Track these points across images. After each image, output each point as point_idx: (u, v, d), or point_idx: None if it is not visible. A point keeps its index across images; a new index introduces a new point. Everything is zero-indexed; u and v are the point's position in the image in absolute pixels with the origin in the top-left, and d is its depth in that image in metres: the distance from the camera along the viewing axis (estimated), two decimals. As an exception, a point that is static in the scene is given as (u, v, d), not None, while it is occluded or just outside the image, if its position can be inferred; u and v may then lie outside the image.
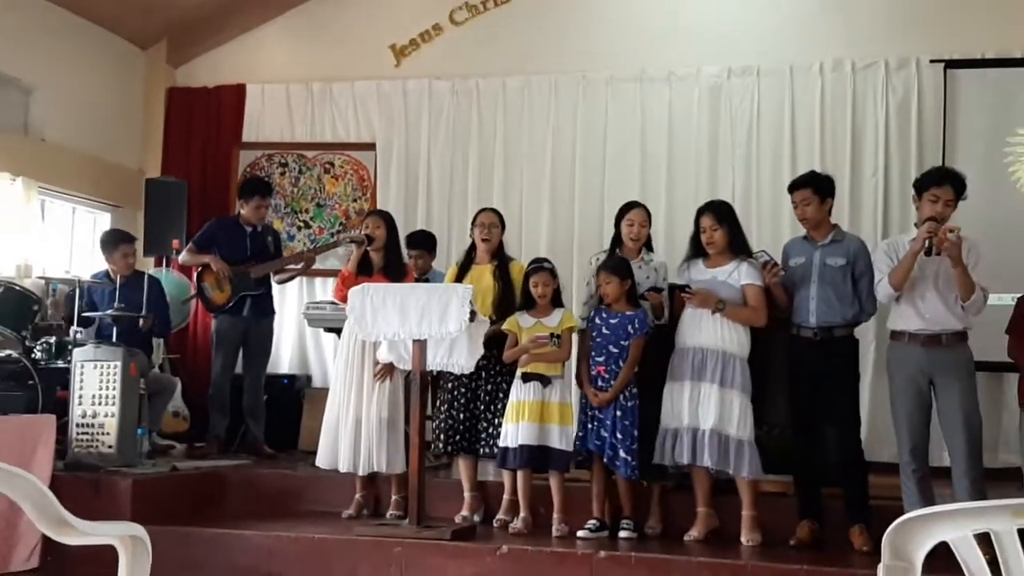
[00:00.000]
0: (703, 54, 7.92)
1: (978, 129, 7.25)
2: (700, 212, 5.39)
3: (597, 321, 5.36)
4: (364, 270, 5.78)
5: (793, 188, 5.35)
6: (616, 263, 5.41)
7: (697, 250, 5.37)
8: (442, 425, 5.61)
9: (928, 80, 7.49)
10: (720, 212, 5.34)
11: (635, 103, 8.03)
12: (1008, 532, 1.98)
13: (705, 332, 5.15)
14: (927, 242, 4.75)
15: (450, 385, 5.67)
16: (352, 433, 5.50)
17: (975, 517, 2.01)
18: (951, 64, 7.36)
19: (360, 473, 5.56)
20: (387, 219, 5.93)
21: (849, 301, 5.17)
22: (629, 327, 5.28)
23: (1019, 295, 5.34)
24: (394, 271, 5.77)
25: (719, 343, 5.12)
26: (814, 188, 5.25)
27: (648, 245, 5.65)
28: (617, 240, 5.62)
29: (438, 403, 5.74)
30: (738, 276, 5.22)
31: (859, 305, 5.20)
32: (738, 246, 5.31)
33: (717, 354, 5.11)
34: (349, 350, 5.65)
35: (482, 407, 5.58)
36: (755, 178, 7.75)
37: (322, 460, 5.61)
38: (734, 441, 5.03)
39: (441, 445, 5.62)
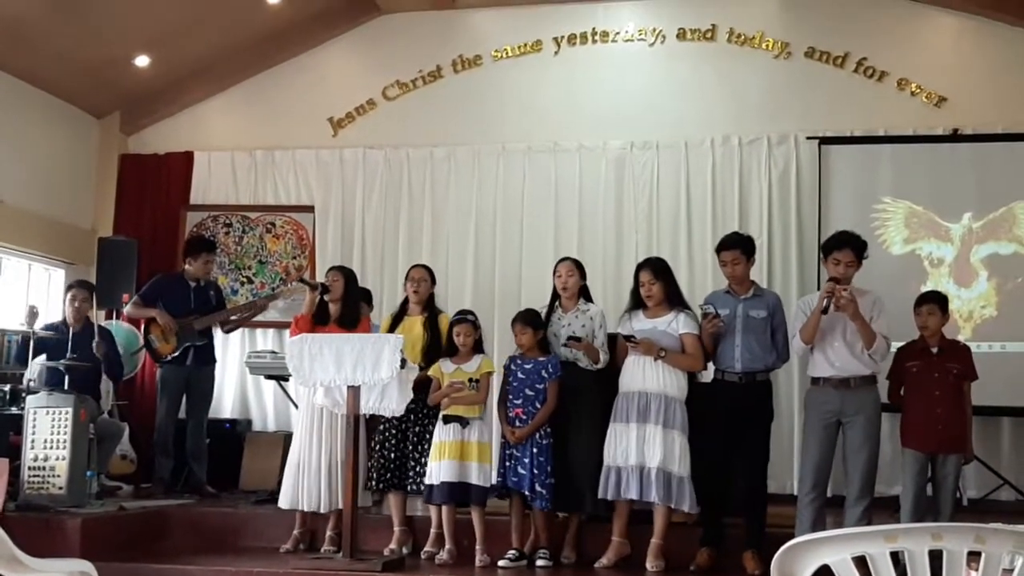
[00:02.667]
0: (609, 129, 8.05)
1: (849, 197, 7.44)
2: (639, 268, 5.40)
3: (512, 367, 5.36)
4: (321, 320, 5.68)
5: (723, 248, 5.36)
6: (530, 316, 5.41)
7: (637, 302, 5.38)
8: (374, 464, 5.54)
9: (805, 154, 7.70)
10: (656, 268, 5.36)
11: (549, 172, 8.12)
12: (881, 555, 2.02)
13: (648, 378, 5.14)
14: (826, 301, 4.87)
15: (382, 427, 5.61)
16: (316, 474, 5.40)
17: (853, 542, 2.04)
18: (825, 140, 7.58)
19: (322, 511, 5.43)
20: (346, 274, 5.84)
21: (769, 349, 5.24)
22: (543, 371, 5.29)
23: (898, 344, 5.46)
24: (349, 322, 5.67)
25: (661, 387, 5.12)
26: (742, 249, 5.33)
27: (586, 296, 5.59)
28: (556, 294, 5.57)
29: (372, 443, 5.67)
30: (676, 326, 5.24)
31: (776, 353, 5.28)
32: (674, 298, 5.34)
33: (660, 397, 5.10)
34: (309, 398, 5.55)
35: (410, 447, 5.52)
36: (655, 239, 7.85)
37: (284, 501, 5.50)
38: (676, 478, 5.02)
39: (373, 482, 5.55)
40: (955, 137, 7.47)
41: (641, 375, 5.17)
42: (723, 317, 5.22)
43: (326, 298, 5.70)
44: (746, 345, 5.21)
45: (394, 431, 5.57)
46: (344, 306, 5.72)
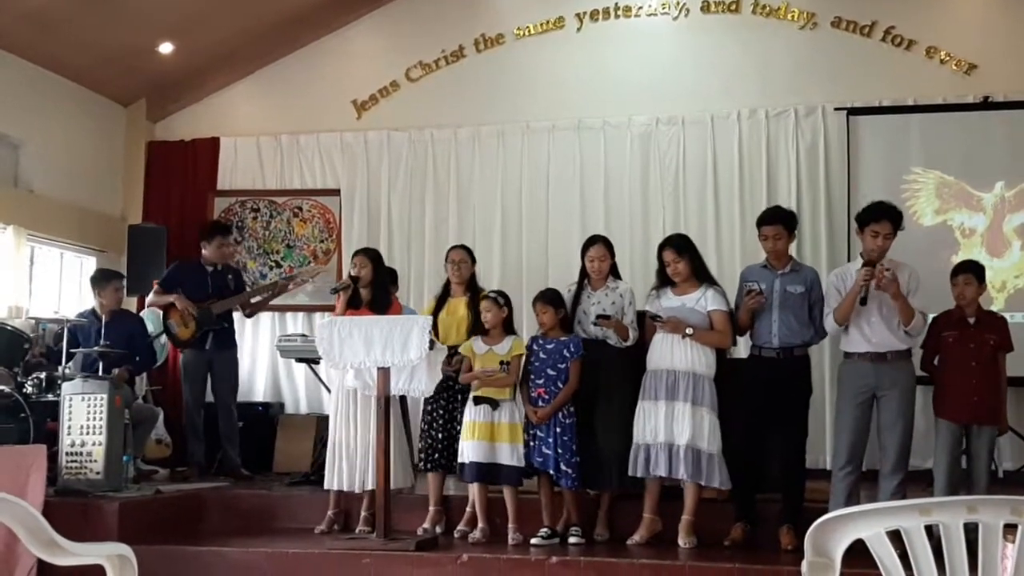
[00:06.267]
0: (634, 105, 8.00)
1: (878, 168, 7.37)
2: (661, 247, 5.32)
3: (535, 347, 5.34)
4: (354, 304, 5.68)
5: (765, 223, 5.27)
6: (551, 295, 5.39)
7: (664, 280, 5.32)
8: (422, 444, 5.58)
9: (833, 126, 7.62)
10: (679, 245, 5.28)
11: (574, 149, 8.09)
12: (916, 529, 2.01)
13: (677, 355, 5.11)
14: (863, 290, 4.81)
15: (429, 407, 5.63)
16: (354, 455, 5.42)
17: (887, 516, 2.03)
18: (853, 111, 7.50)
19: (357, 490, 5.46)
20: (372, 256, 5.79)
21: (807, 325, 5.19)
22: (565, 351, 5.28)
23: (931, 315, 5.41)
24: (380, 305, 5.66)
25: (690, 365, 5.09)
26: (784, 224, 5.26)
27: (615, 273, 5.53)
28: (584, 272, 5.52)
29: (421, 424, 5.71)
30: (705, 303, 5.18)
31: (814, 328, 5.22)
32: (702, 274, 5.28)
33: (688, 375, 5.07)
34: (342, 380, 5.57)
35: (459, 427, 5.48)
36: (682, 215, 7.82)
37: (328, 482, 5.51)
38: (705, 455, 5.00)
39: (422, 463, 5.59)
40: (986, 105, 7.36)
41: (669, 353, 5.13)
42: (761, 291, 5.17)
43: (358, 286, 5.70)
44: (783, 320, 5.15)
45: (441, 411, 5.58)
46: (375, 289, 5.71)
